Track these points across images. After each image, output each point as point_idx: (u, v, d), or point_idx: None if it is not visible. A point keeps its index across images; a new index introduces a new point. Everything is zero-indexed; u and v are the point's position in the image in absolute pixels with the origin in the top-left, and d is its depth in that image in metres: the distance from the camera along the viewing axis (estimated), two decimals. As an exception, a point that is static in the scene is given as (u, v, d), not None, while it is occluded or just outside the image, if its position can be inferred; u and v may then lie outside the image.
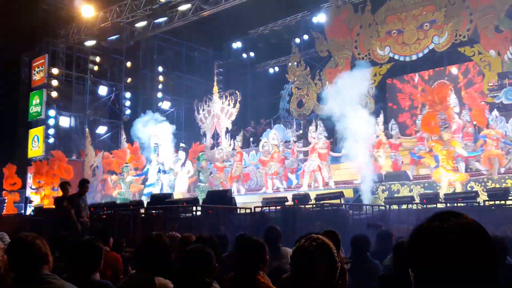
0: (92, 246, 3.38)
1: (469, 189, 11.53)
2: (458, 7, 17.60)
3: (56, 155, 20.19)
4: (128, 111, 22.61)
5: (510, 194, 9.75)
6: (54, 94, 22.20)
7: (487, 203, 9.44)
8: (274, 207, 11.45)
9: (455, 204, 9.76)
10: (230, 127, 21.09)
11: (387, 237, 5.54)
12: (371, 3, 19.38)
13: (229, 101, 21.32)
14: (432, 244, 1.25)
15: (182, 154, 18.39)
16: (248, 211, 11.24)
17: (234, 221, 10.75)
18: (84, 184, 9.20)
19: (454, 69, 19.32)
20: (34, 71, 22.78)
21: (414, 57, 18.71)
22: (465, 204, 9.67)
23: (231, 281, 3.24)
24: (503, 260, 4.04)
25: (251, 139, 20.70)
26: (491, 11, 16.75)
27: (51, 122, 22.08)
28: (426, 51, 18.43)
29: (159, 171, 16.95)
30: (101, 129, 23.33)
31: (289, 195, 12.55)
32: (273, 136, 16.63)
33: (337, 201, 11.05)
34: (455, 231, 1.25)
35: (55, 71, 22.34)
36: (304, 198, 11.53)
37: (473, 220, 1.29)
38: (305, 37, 22.41)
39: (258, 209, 11.37)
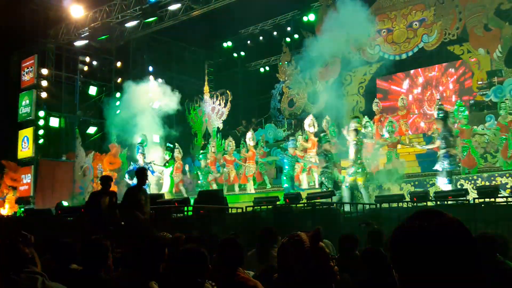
0: (99, 245, 3.42)
1: (459, 186, 11.60)
2: (447, 5, 17.72)
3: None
4: (118, 111, 22.50)
5: (500, 192, 9.81)
6: (43, 94, 22.07)
7: (476, 200, 9.49)
8: (265, 207, 11.47)
9: (445, 202, 9.81)
10: (221, 126, 21.09)
11: (379, 236, 5.55)
12: (361, 2, 19.41)
13: (220, 100, 21.32)
14: (414, 244, 1.25)
15: (168, 154, 18.36)
16: (239, 210, 11.25)
17: (225, 221, 10.75)
18: (108, 181, 8.90)
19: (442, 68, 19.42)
20: (24, 71, 22.63)
21: (404, 56, 18.81)
22: (455, 202, 9.72)
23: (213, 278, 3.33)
24: (493, 257, 4.06)
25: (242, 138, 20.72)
26: (480, 9, 16.87)
27: (41, 123, 21.94)
28: (415, 49, 18.53)
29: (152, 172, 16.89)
30: (92, 130, 23.22)
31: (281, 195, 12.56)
32: (249, 137, 16.76)
33: (329, 200, 11.07)
34: (437, 230, 1.25)
35: (44, 71, 22.21)
36: (296, 197, 11.54)
37: (455, 218, 1.29)
38: (296, 36, 22.44)
39: (249, 209, 11.38)
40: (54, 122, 22.57)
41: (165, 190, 17.51)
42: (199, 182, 17.28)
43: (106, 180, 8.95)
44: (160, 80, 20.40)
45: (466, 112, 12.77)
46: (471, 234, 1.27)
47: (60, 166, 22.27)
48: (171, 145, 18.59)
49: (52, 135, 22.52)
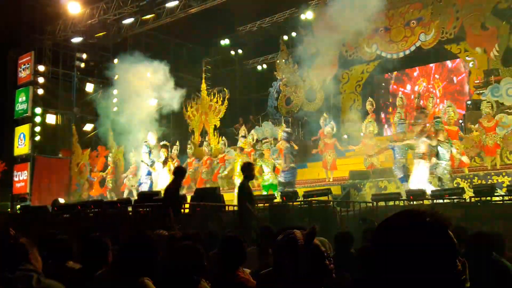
0: (99, 242, 3.42)
1: (455, 185, 11.63)
2: (444, 4, 17.72)
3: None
4: (115, 108, 22.46)
5: (496, 191, 9.84)
6: (40, 91, 22.03)
7: (473, 199, 9.51)
8: (262, 204, 11.47)
9: (442, 201, 9.84)
10: (218, 124, 21.06)
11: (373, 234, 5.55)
12: (358, 0, 19.41)
13: (217, 98, 21.28)
14: (393, 246, 1.27)
15: (164, 151, 18.35)
16: (236, 208, 11.24)
17: (222, 219, 10.74)
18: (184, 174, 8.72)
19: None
20: (20, 68, 22.58)
21: (401, 55, 18.81)
22: (451, 200, 9.75)
23: (213, 277, 3.30)
24: (489, 256, 4.07)
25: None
26: (477, 8, 16.88)
27: (38, 119, 21.89)
28: (413, 48, 18.53)
29: (149, 171, 16.90)
30: (88, 127, 23.17)
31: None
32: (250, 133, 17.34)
33: (325, 198, 11.08)
34: (415, 231, 1.26)
35: (41, 68, 22.17)
36: (292, 195, 11.55)
37: (436, 219, 1.30)
38: (293, 34, 22.41)
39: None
40: (51, 119, 22.53)
41: (162, 187, 17.50)
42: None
43: (184, 173, 8.70)
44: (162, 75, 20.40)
45: (452, 113, 12.93)
46: (451, 237, 1.28)
47: (57, 163, 22.25)
48: (167, 143, 18.58)
49: (48, 132, 22.49)
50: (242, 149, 16.59)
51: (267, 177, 14.63)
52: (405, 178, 12.17)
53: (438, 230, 1.27)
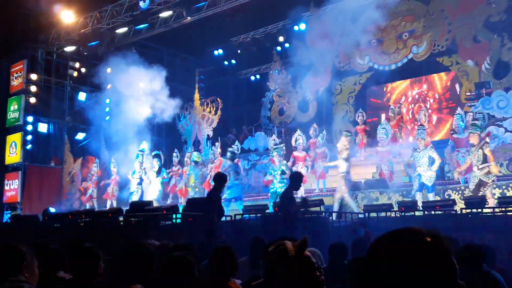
0: (90, 252, 3.41)
1: (446, 197, 11.68)
2: (437, 17, 17.88)
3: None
4: (108, 117, 22.42)
5: (487, 203, 9.89)
6: (32, 100, 21.95)
7: (464, 211, 9.55)
8: (254, 215, 11.46)
9: (433, 212, 9.87)
10: (211, 134, 21.06)
11: (362, 244, 5.58)
12: (351, 12, 19.54)
13: (210, 108, 21.30)
14: (389, 262, 1.24)
15: (156, 161, 18.32)
16: (228, 219, 11.23)
17: (214, 229, 10.70)
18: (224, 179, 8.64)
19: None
20: (13, 76, 22.50)
21: (393, 67, 18.94)
22: (442, 212, 9.78)
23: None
24: (479, 268, 4.09)
25: (232, 146, 20.70)
26: (469, 21, 17.03)
27: (29, 128, 21.80)
28: (405, 60, 18.66)
29: (141, 180, 16.79)
30: (80, 136, 23.08)
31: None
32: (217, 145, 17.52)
33: (317, 208, 11.09)
34: (412, 250, 1.23)
35: (34, 76, 22.10)
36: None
37: (434, 238, 1.27)
38: (287, 45, 22.50)
39: (238, 217, 11.37)
40: (43, 127, 22.44)
41: (153, 197, 17.43)
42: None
43: (224, 179, 8.62)
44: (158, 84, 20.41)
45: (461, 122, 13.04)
46: (449, 254, 1.26)
47: (48, 172, 22.14)
48: (159, 152, 18.55)
49: (40, 140, 22.38)
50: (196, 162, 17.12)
51: (275, 184, 14.48)
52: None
53: (437, 253, 1.24)
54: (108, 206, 17.43)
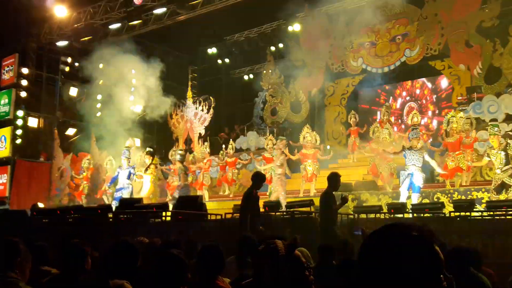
0: (78, 248, 3.40)
1: (435, 200, 11.73)
2: (430, 21, 17.96)
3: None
4: (99, 113, 22.33)
5: (475, 206, 9.95)
6: (23, 94, 21.79)
7: (452, 214, 9.61)
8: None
9: (422, 215, 9.91)
10: (203, 132, 21.03)
11: (344, 247, 5.61)
12: (346, 14, 19.61)
13: (202, 106, 21.27)
14: (378, 259, 1.28)
15: (148, 158, 18.28)
16: (218, 217, 11.22)
17: (204, 228, 10.71)
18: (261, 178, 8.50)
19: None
20: (4, 70, 22.33)
21: (386, 69, 19.01)
22: (431, 214, 9.83)
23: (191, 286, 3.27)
24: (467, 271, 4.10)
25: (224, 145, 20.69)
26: (462, 26, 17.13)
27: (19, 122, 21.64)
28: (398, 63, 18.74)
29: (129, 175, 16.67)
30: (71, 131, 22.95)
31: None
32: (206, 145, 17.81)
33: (307, 209, 11.10)
34: (401, 245, 1.27)
35: (25, 70, 21.94)
36: (275, 205, 11.56)
37: (423, 234, 1.31)
38: (280, 45, 22.53)
39: (228, 216, 11.36)
40: (33, 122, 22.28)
41: (143, 194, 17.41)
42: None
43: (261, 177, 8.51)
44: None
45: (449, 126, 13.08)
46: (437, 254, 1.29)
47: (37, 167, 21.99)
48: (152, 149, 18.48)
49: (30, 135, 22.22)
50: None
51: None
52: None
53: (423, 245, 1.27)
54: (106, 202, 17.30)
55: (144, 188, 17.71)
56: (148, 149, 18.39)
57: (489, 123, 11.92)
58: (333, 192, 8.41)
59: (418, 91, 19.96)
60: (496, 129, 10.93)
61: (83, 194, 19.04)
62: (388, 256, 1.26)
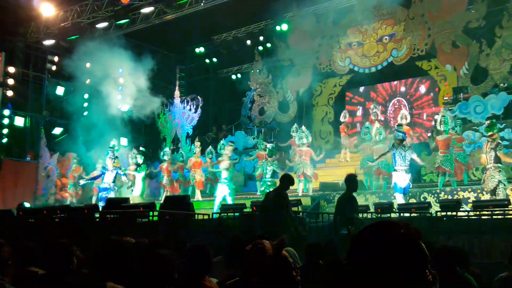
0: (64, 248, 3.37)
1: (422, 199, 11.82)
2: (417, 22, 18.07)
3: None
4: (86, 112, 22.20)
5: (462, 206, 10.03)
6: (9, 93, 21.58)
7: (439, 214, 9.67)
8: (232, 214, 11.46)
9: (408, 214, 9.98)
10: (190, 132, 20.99)
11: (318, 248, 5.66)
12: (333, 14, 19.68)
13: (190, 106, 21.23)
14: (365, 256, 1.32)
15: (140, 158, 18.19)
16: (206, 217, 11.20)
17: (191, 227, 10.68)
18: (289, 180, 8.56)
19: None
20: (-10, 69, 22.11)
21: (373, 69, 19.10)
22: (418, 214, 9.89)
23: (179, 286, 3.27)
24: (453, 270, 4.13)
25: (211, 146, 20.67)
26: (448, 26, 17.26)
27: (6, 121, 21.44)
28: (385, 63, 18.83)
29: (115, 177, 16.55)
30: (57, 130, 22.79)
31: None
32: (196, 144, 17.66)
33: (295, 209, 11.11)
34: (388, 242, 1.32)
35: (11, 69, 21.73)
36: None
37: (409, 231, 1.35)
38: (268, 45, 22.54)
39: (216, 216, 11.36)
40: (19, 121, 22.08)
41: (136, 194, 17.32)
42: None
43: (289, 179, 8.52)
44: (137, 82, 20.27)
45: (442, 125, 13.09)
46: (422, 250, 1.34)
47: (24, 166, 21.81)
48: (144, 149, 18.46)
49: (16, 134, 22.04)
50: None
51: (266, 183, 14.62)
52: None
53: (410, 242, 1.32)
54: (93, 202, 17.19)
55: (136, 188, 17.62)
56: (141, 148, 18.35)
57: (486, 122, 11.90)
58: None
59: (403, 89, 20.00)
60: (492, 129, 10.99)
61: (71, 193, 18.93)
62: (377, 252, 1.30)
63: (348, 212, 7.93)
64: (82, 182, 17.43)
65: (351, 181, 8.11)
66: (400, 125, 13.20)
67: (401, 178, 11.48)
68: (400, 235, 1.32)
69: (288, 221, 8.10)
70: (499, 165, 10.65)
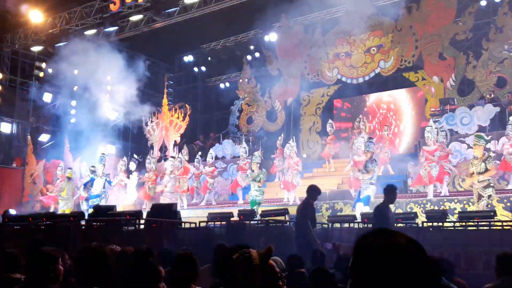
0: (46, 255, 3.33)
1: (408, 210, 11.87)
2: (404, 33, 18.25)
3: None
4: (73, 120, 22.06)
5: (448, 217, 10.08)
6: (-4, 99, 21.44)
7: (425, 224, 9.72)
8: (219, 222, 11.41)
9: (395, 224, 9.99)
10: (178, 140, 20.94)
11: (323, 257, 5.65)
12: (322, 25, 19.82)
13: (178, 114, 21.20)
14: (374, 262, 1.29)
15: (133, 165, 18.09)
16: (193, 225, 11.16)
17: (178, 236, 10.63)
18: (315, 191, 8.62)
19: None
20: (-23, 74, 21.93)
21: (360, 80, 19.23)
22: (404, 224, 9.93)
23: None
24: (438, 281, 4.16)
25: (199, 153, 20.60)
26: (436, 38, 17.45)
27: (-8, 128, 21.27)
28: (372, 74, 18.97)
29: (104, 184, 16.43)
30: (44, 137, 22.61)
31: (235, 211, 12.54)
32: (184, 152, 17.52)
33: (282, 217, 11.12)
34: (395, 249, 1.29)
35: (-2, 75, 21.61)
36: (250, 214, 11.56)
37: (411, 240, 1.33)
38: (257, 54, 22.64)
39: (203, 224, 11.31)
40: (6, 128, 21.90)
41: (130, 202, 17.18)
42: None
43: (315, 190, 8.58)
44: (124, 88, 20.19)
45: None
46: (425, 256, 1.33)
47: (10, 173, 21.59)
48: (138, 157, 18.38)
49: (3, 141, 21.85)
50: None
51: (252, 192, 14.45)
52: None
53: (418, 253, 1.31)
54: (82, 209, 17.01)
55: (128, 196, 17.48)
56: (135, 156, 18.27)
57: (475, 134, 12.00)
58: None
59: (390, 99, 20.15)
60: (482, 140, 10.99)
61: (57, 200, 18.74)
62: (382, 266, 1.27)
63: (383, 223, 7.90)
64: (82, 195, 17.21)
65: (391, 191, 8.00)
66: (370, 137, 13.28)
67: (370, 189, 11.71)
68: (405, 248, 1.30)
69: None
70: (488, 177, 10.73)
